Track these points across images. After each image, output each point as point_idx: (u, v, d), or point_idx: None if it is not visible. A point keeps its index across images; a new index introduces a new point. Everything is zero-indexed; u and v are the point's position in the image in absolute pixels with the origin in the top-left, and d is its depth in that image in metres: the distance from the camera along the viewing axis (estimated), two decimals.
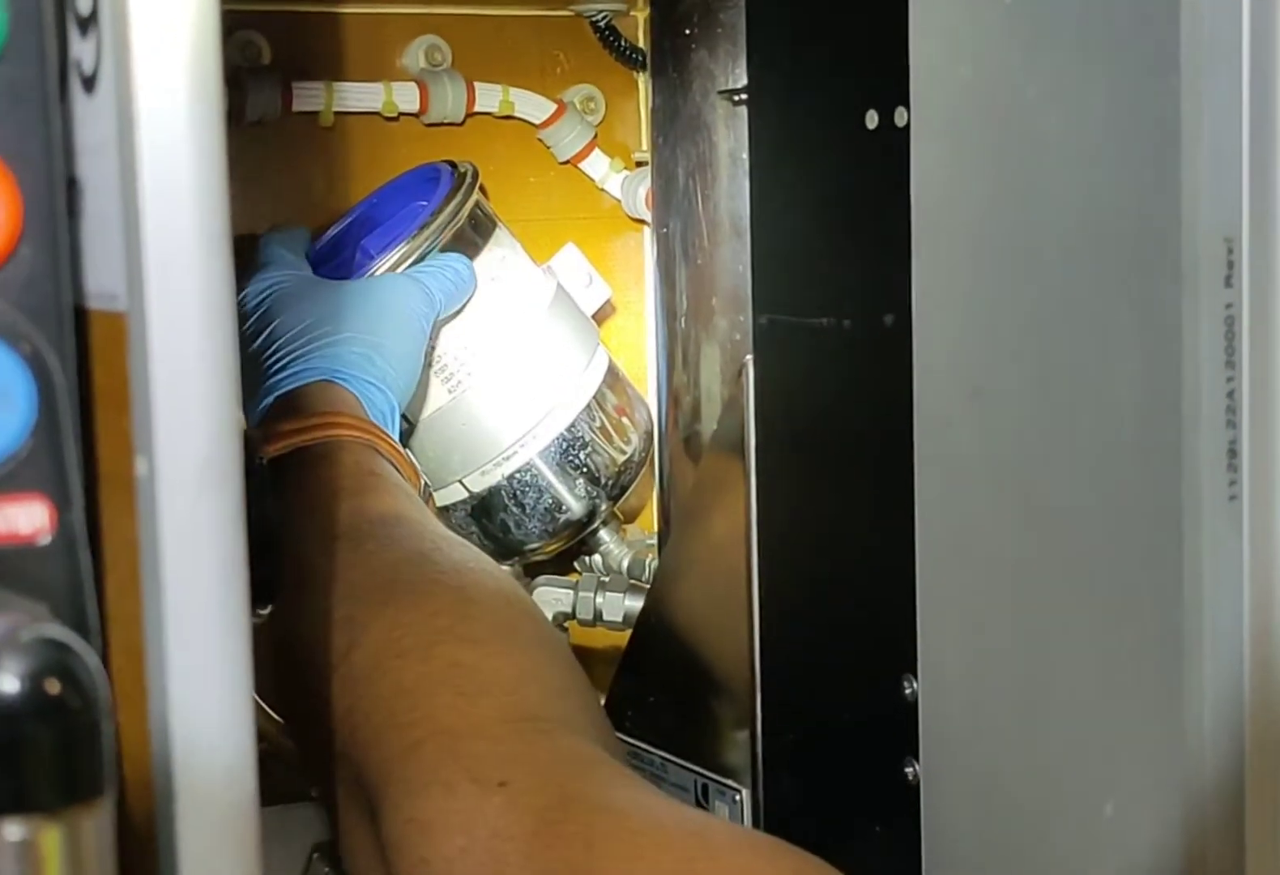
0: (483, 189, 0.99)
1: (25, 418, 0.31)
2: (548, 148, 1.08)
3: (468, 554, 0.67)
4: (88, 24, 0.34)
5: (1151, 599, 0.47)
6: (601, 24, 1.07)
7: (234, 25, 0.99)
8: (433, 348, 0.92)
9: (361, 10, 1.03)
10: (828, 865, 0.48)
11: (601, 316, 1.07)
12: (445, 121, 1.04)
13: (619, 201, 1.09)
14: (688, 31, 0.68)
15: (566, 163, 1.08)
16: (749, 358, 0.65)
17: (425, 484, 0.82)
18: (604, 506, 1.00)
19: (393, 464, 0.76)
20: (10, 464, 0.31)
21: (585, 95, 1.09)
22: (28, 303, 0.32)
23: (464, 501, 0.97)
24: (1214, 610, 0.45)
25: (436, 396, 0.95)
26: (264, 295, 0.86)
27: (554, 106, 1.07)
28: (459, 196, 0.94)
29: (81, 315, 0.35)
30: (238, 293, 0.89)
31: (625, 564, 1.02)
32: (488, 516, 0.98)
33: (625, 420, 1.01)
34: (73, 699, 0.30)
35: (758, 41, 0.64)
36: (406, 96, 1.02)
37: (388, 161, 1.02)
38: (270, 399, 0.78)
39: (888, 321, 0.58)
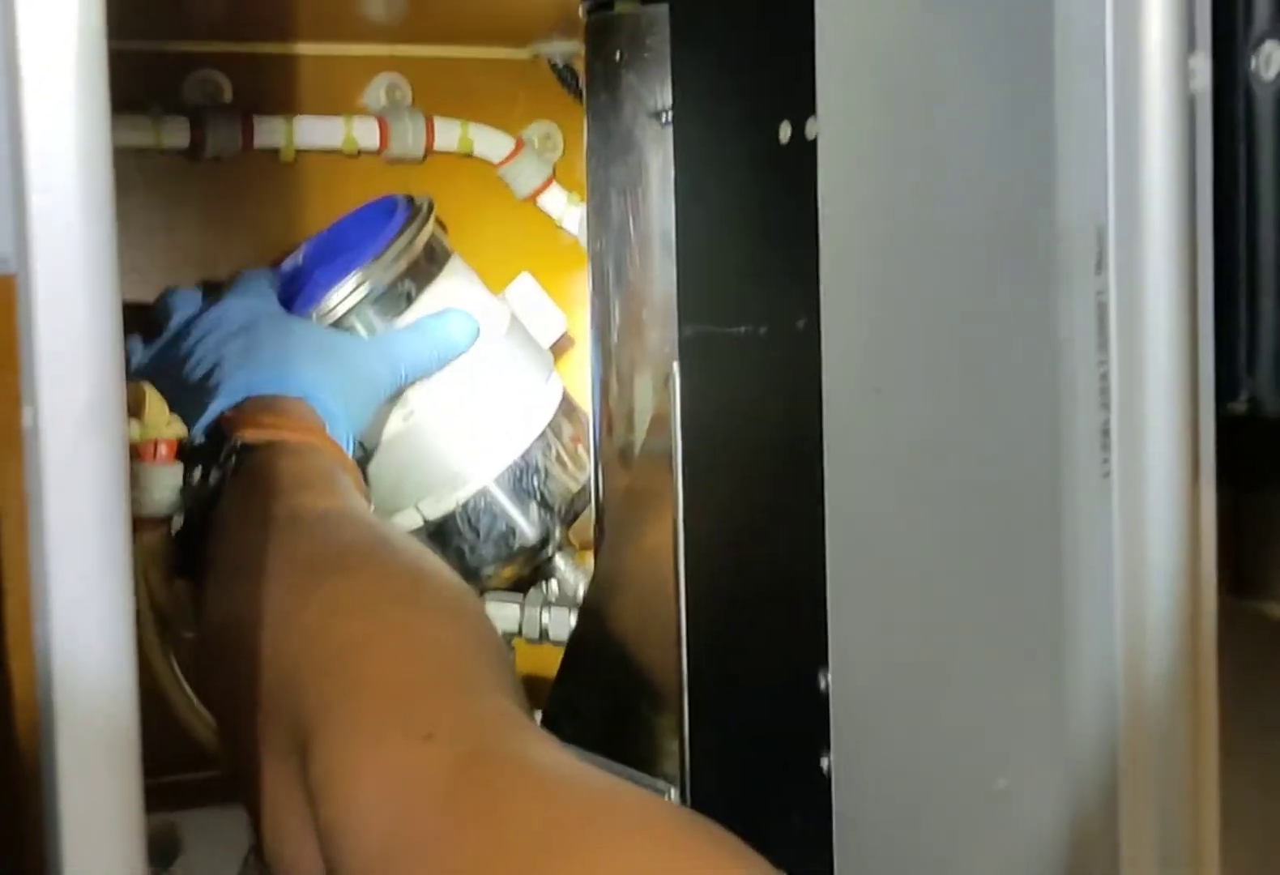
0: (439, 221, 1.01)
1: None
2: (507, 184, 1.11)
3: (423, 548, 0.70)
4: None
5: (1034, 579, 0.49)
6: (559, 64, 1.10)
7: (195, 64, 1.02)
8: None
9: (322, 50, 1.05)
10: (728, 833, 0.49)
11: (559, 349, 1.09)
12: (405, 158, 1.07)
13: (577, 237, 1.12)
14: (618, 56, 0.71)
15: (525, 199, 1.11)
16: (675, 365, 0.67)
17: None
18: (558, 532, 1.02)
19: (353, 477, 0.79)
20: None
21: (544, 133, 1.12)
22: None
23: (419, 528, 0.99)
24: (1089, 585, 0.47)
25: (392, 423, 0.97)
26: (237, 320, 0.89)
27: (513, 143, 1.09)
28: (413, 226, 0.96)
29: None
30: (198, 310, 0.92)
31: (580, 591, 1.03)
32: (442, 543, 0.99)
33: (580, 450, 1.03)
34: None
35: (682, 63, 0.66)
36: (367, 133, 1.05)
37: (348, 198, 1.04)
38: (239, 396, 0.81)
39: (799, 326, 0.60)
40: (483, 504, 0.99)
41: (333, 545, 0.66)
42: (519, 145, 1.09)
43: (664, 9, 0.68)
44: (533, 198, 1.11)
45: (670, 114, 0.67)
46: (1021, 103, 0.49)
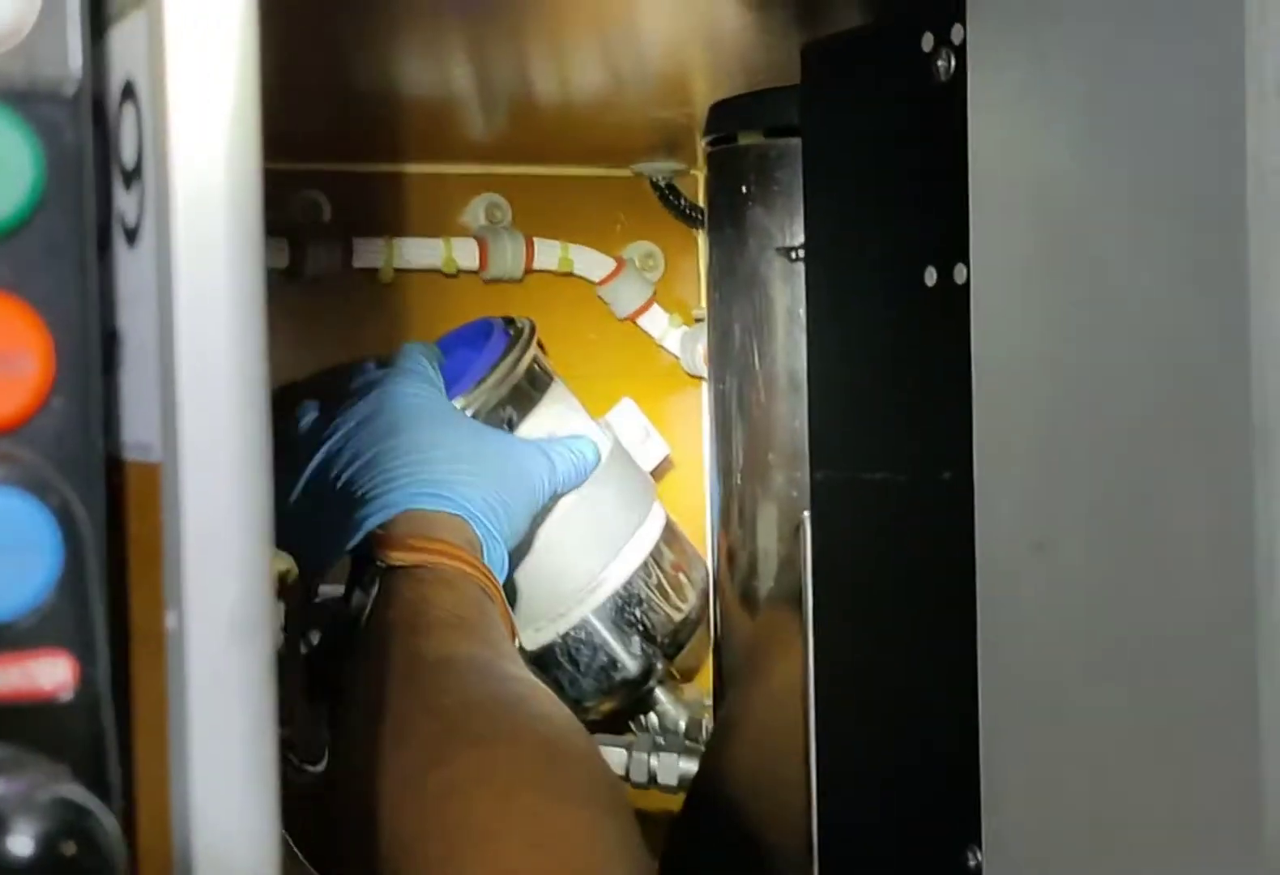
0: (540, 344, 0.99)
1: (50, 571, 0.30)
2: (607, 304, 1.09)
3: (557, 709, 0.67)
4: (132, 177, 0.34)
5: (1222, 752, 0.45)
6: (661, 183, 1.08)
7: (296, 185, 1.00)
8: None
9: (423, 169, 1.04)
10: None
11: (660, 472, 1.07)
12: (504, 278, 1.05)
13: (678, 358, 1.09)
14: (744, 189, 0.68)
15: (625, 319, 1.09)
16: (806, 514, 0.63)
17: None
18: (660, 665, 0.99)
19: (491, 601, 0.76)
20: (33, 618, 0.30)
21: (645, 252, 1.09)
22: (58, 454, 0.31)
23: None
24: None
25: None
26: (406, 398, 0.85)
27: (613, 263, 1.07)
28: (516, 351, 0.94)
29: (119, 467, 0.34)
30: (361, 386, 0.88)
31: (682, 724, 1.00)
32: (542, 674, 0.96)
33: (682, 578, 1.00)
34: (89, 862, 0.29)
35: (815, 199, 0.63)
36: (466, 253, 1.03)
37: (447, 317, 1.02)
38: (396, 510, 0.77)
39: (945, 477, 0.57)
40: (583, 635, 0.96)
41: (472, 703, 0.63)
42: (620, 265, 1.07)
43: (794, 142, 0.65)
44: (633, 318, 1.08)
45: (801, 251, 0.64)
46: (1206, 246, 0.46)
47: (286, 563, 0.74)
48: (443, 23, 0.67)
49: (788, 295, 0.67)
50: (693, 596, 0.99)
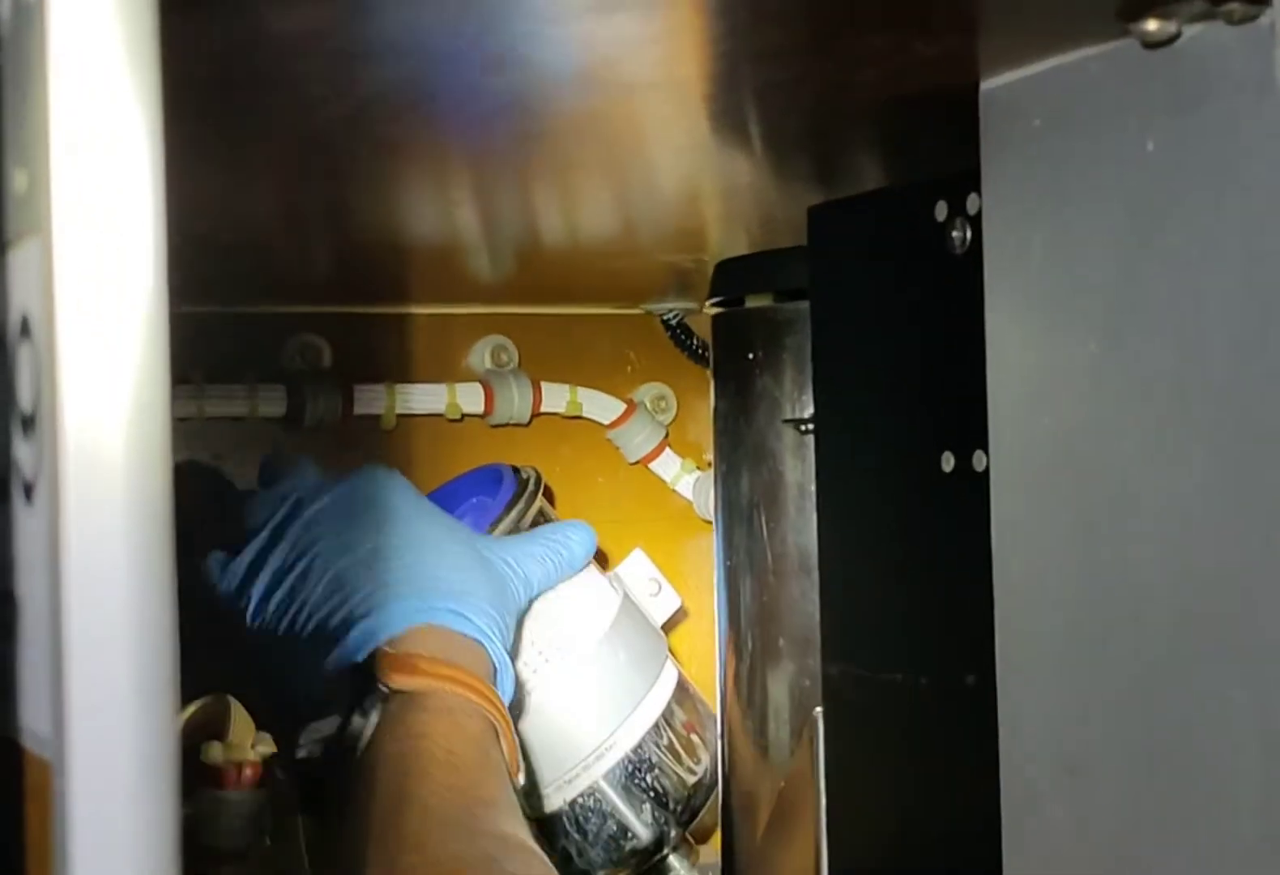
0: (547, 492, 0.95)
1: None
2: (617, 448, 1.05)
3: (531, 869, 0.62)
4: (29, 424, 0.30)
5: None
6: (673, 322, 1.05)
7: (296, 329, 0.97)
8: None
9: (427, 311, 1.01)
10: None
11: (672, 623, 1.02)
12: (511, 422, 1.01)
13: (691, 502, 1.05)
14: (750, 355, 0.64)
15: (637, 463, 1.05)
16: (818, 711, 0.59)
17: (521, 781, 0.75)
18: (674, 833, 0.93)
19: (503, 749, 0.70)
20: None
21: (656, 394, 1.06)
22: None
23: None
24: None
25: None
26: (384, 491, 0.79)
27: (623, 406, 1.03)
28: (520, 504, 0.90)
29: (18, 751, 0.30)
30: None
31: None
32: (548, 843, 0.91)
33: (695, 738, 0.95)
34: None
35: (824, 370, 0.60)
36: (471, 398, 1.00)
37: (452, 462, 0.99)
38: (409, 625, 0.71)
39: (970, 682, 0.52)
40: (592, 802, 0.91)
41: (438, 862, 0.58)
42: (630, 408, 1.04)
43: (805, 306, 0.61)
44: (644, 462, 1.04)
45: (811, 425, 0.60)
46: (1246, 469, 0.42)
47: (266, 743, 0.69)
48: (448, 168, 0.64)
49: (798, 470, 0.63)
50: (706, 757, 0.94)
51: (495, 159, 0.61)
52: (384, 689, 0.68)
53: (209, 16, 0.40)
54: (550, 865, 0.64)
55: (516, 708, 0.89)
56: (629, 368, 1.06)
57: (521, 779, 0.74)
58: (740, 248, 0.76)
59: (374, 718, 0.68)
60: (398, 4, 0.41)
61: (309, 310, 0.98)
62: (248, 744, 0.67)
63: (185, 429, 0.93)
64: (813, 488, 0.61)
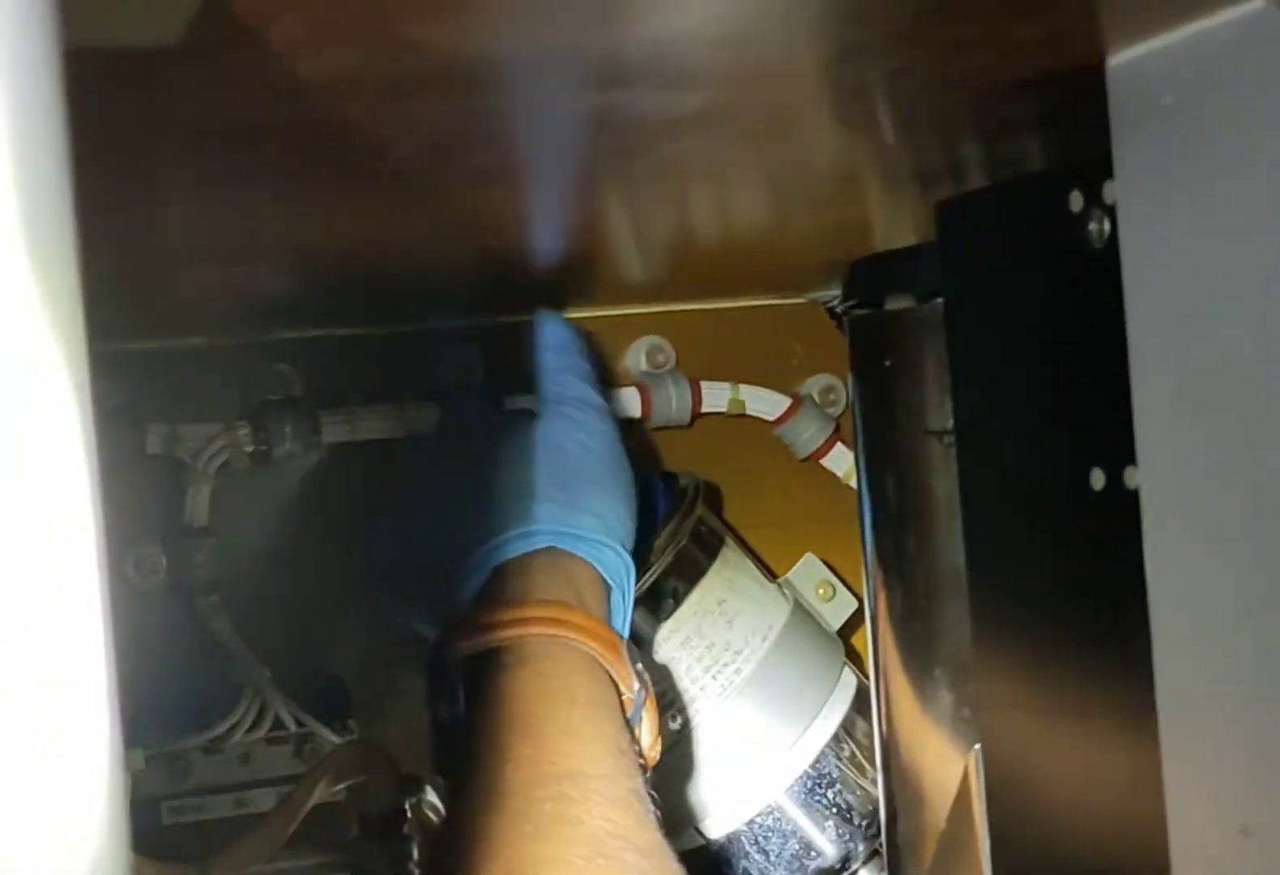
0: (712, 497, 0.91)
1: None
2: (785, 445, 1.00)
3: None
4: None
5: None
6: (838, 309, 0.99)
7: (448, 342, 0.94)
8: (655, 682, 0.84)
9: (579, 315, 0.97)
10: None
11: (851, 624, 0.98)
12: (670, 425, 0.97)
13: None
14: (888, 362, 0.60)
15: (806, 460, 1.00)
16: (977, 748, 0.54)
17: (641, 695, 0.70)
18: (861, 848, 0.89)
19: (611, 672, 0.66)
20: None
21: (824, 386, 1.01)
22: None
23: (699, 849, 0.88)
24: None
25: (663, 735, 0.86)
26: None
27: (789, 401, 0.99)
28: (679, 516, 0.86)
29: None
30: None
31: None
32: (727, 865, 0.88)
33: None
34: None
35: (962, 378, 0.55)
36: (627, 402, 0.96)
37: None
38: (486, 570, 0.69)
39: (1131, 733, 0.47)
40: (771, 821, 0.87)
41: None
42: (797, 402, 0.99)
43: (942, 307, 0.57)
44: (814, 458, 1.00)
45: (952, 437, 0.55)
46: None
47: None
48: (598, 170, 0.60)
49: (946, 484, 0.58)
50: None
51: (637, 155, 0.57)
52: (449, 667, 0.65)
53: (233, 65, 0.37)
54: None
55: (686, 728, 0.85)
56: (793, 360, 1.01)
57: (639, 690, 0.68)
58: (906, 237, 0.71)
59: (461, 698, 0.64)
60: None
61: (461, 324, 0.95)
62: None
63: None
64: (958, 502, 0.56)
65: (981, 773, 0.54)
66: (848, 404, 1.00)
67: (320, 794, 0.66)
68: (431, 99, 0.42)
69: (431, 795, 0.70)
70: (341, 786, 0.68)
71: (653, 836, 0.58)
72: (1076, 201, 0.49)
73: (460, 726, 0.64)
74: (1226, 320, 0.43)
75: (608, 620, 0.69)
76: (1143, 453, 0.46)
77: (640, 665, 0.69)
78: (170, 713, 0.83)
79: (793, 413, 0.99)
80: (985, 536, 0.54)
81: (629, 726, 0.66)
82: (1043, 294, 0.51)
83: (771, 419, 0.99)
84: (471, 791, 0.57)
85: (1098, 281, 0.48)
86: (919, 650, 0.61)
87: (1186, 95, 0.43)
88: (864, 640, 0.98)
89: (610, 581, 0.71)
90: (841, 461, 0.99)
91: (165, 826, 0.86)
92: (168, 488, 0.87)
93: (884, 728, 0.65)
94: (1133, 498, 0.47)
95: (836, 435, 1.00)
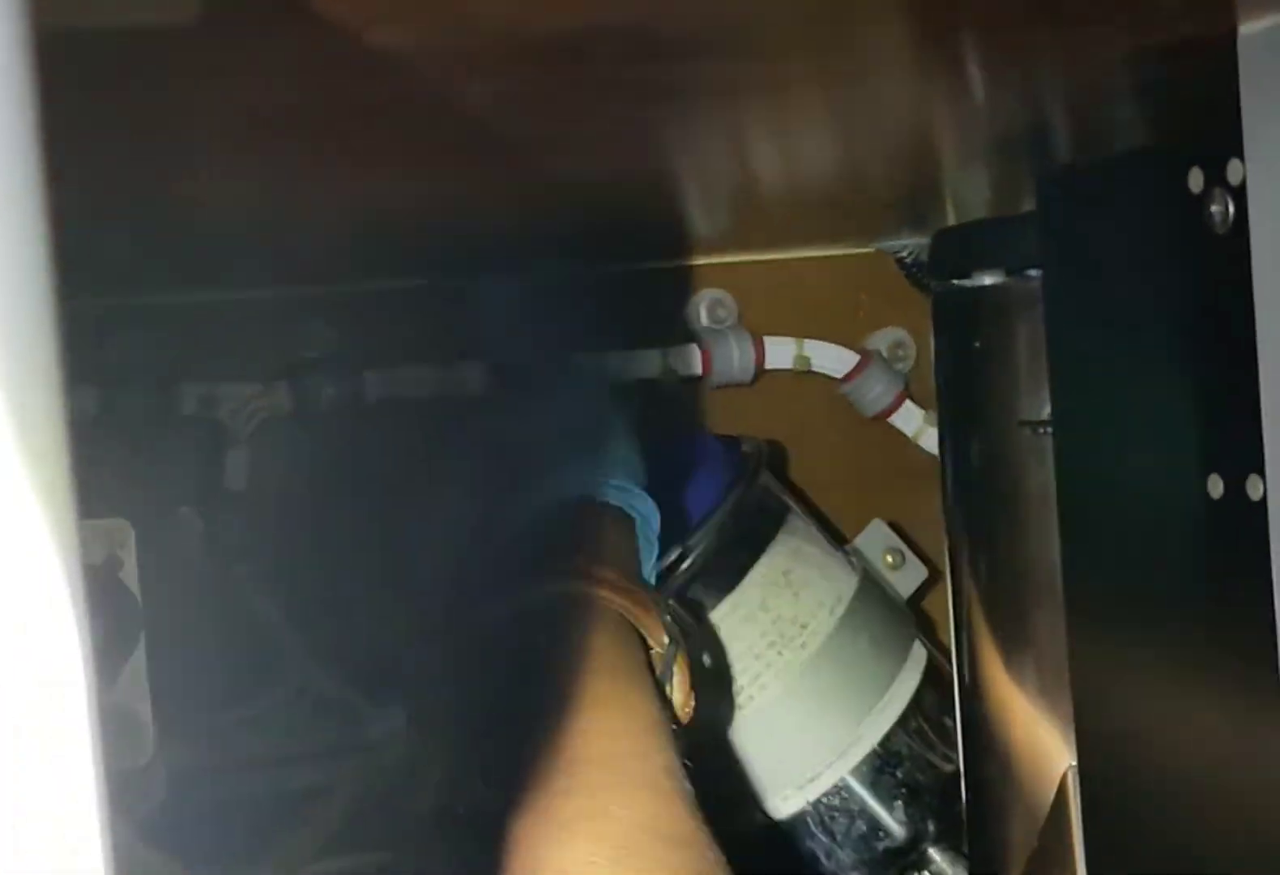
0: (772, 460, 0.87)
1: None
2: (851, 403, 0.96)
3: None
4: None
5: None
6: (908, 260, 0.95)
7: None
8: (718, 654, 0.81)
9: (636, 267, 0.93)
10: None
11: (921, 593, 0.94)
12: (732, 383, 0.93)
13: (936, 458, 0.96)
14: (977, 343, 0.55)
15: (874, 418, 0.95)
16: (1071, 765, 0.50)
17: (672, 649, 0.68)
18: (931, 827, 0.86)
19: (640, 629, 0.65)
20: None
21: (893, 340, 0.96)
22: None
23: (762, 830, 0.84)
24: None
25: (725, 711, 0.82)
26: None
27: (857, 357, 0.94)
28: (742, 485, 0.82)
29: None
30: None
31: None
32: (791, 846, 0.84)
33: (949, 721, 0.86)
34: None
35: (1064, 366, 0.50)
36: (687, 360, 0.91)
37: (669, 431, 0.91)
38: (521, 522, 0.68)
39: (1256, 758, 0.43)
40: (838, 801, 0.84)
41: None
42: (865, 358, 0.94)
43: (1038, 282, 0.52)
44: (883, 416, 0.95)
45: (1049, 428, 0.51)
46: None
47: None
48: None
49: (1040, 479, 0.54)
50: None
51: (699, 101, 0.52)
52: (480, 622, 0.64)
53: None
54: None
55: (750, 705, 0.82)
56: (860, 313, 0.96)
57: (669, 644, 0.66)
58: (979, 207, 0.66)
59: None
60: None
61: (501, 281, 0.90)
62: None
63: None
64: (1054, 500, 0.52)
65: (1078, 793, 0.50)
66: (916, 359, 0.96)
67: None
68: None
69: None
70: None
71: (686, 825, 0.55)
72: (1196, 180, 0.44)
73: (491, 697, 0.62)
74: None
75: (637, 570, 0.67)
76: (1272, 460, 0.41)
77: (669, 617, 0.66)
78: (208, 685, 0.80)
79: (861, 369, 0.94)
80: (1084, 541, 0.50)
81: (659, 685, 0.64)
82: (1156, 280, 0.46)
83: (839, 377, 0.95)
84: (499, 779, 0.56)
85: (1220, 268, 0.43)
86: (1005, 655, 0.57)
87: None
88: (935, 604, 0.95)
89: (639, 528, 0.69)
90: (910, 420, 0.95)
91: (209, 801, 0.83)
92: (205, 449, 0.84)
93: (968, 737, 0.61)
94: (1257, 510, 0.42)
95: (905, 392, 0.95)
